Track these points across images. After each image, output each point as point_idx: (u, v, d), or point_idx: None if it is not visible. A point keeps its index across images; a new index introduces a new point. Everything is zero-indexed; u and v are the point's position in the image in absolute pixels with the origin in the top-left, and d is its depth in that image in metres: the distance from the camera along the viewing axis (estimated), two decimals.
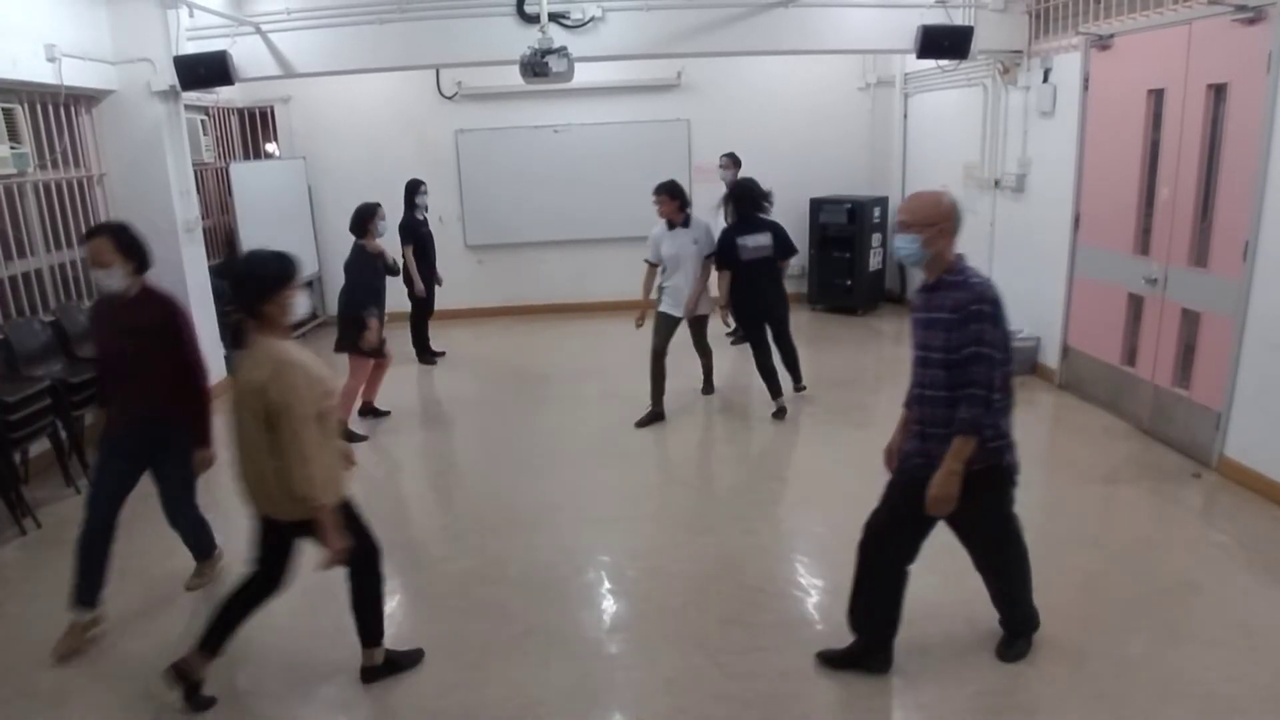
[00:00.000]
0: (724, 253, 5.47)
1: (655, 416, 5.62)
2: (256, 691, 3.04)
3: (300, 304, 2.70)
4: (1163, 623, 3.20)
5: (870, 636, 2.94)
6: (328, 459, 2.66)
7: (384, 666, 3.04)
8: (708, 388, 6.17)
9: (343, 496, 2.79)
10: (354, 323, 5.50)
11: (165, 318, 3.41)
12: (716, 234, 5.64)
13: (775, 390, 5.69)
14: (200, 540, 3.81)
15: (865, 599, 2.92)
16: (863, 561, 2.90)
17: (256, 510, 2.79)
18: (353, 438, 5.38)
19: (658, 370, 5.59)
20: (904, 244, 2.65)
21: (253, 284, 2.62)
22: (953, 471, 2.59)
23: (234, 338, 2.77)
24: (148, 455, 3.46)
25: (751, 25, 6.19)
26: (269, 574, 2.91)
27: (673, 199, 5.41)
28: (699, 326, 5.80)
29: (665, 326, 5.58)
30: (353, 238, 5.69)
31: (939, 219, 2.60)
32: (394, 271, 5.95)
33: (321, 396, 2.65)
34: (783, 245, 5.60)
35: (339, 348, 5.62)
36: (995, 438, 2.64)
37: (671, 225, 5.46)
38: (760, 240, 5.47)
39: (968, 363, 2.55)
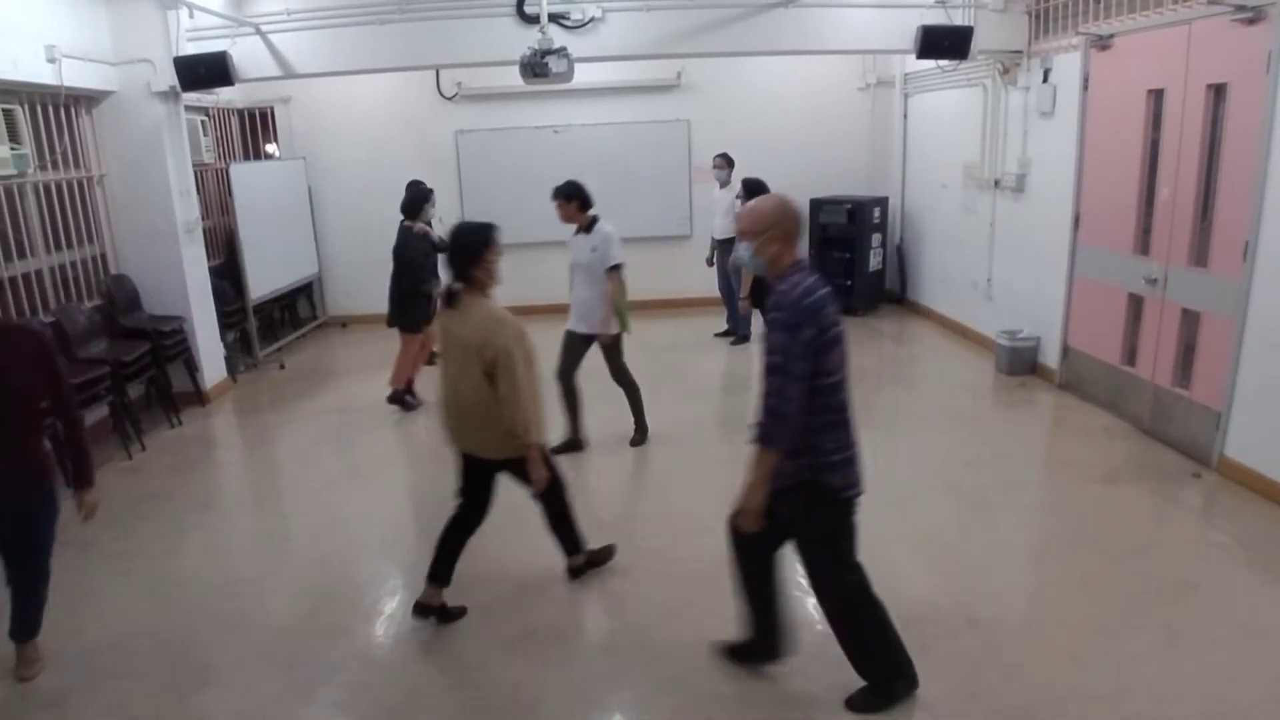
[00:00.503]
0: None
1: (571, 445, 5.10)
2: (257, 692, 3.04)
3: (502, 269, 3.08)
4: (1163, 623, 3.20)
5: (762, 630, 2.95)
6: (537, 403, 3.06)
7: (585, 564, 3.66)
8: (638, 436, 5.29)
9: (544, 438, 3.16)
10: (408, 300, 5.89)
11: (33, 351, 2.91)
12: (614, 246, 4.91)
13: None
14: (31, 616, 3.10)
15: (743, 594, 2.92)
16: (743, 558, 2.89)
17: (466, 450, 3.23)
18: (408, 405, 6.01)
19: (566, 393, 5.06)
20: (742, 250, 2.68)
21: (462, 251, 3.03)
22: (750, 484, 2.55)
23: (446, 299, 3.05)
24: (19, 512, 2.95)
25: (751, 25, 6.19)
26: (476, 505, 3.34)
27: (569, 201, 4.87)
28: (611, 352, 5.09)
29: (567, 345, 5.04)
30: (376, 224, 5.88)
31: (768, 225, 2.56)
32: (443, 249, 5.93)
33: (530, 349, 3.03)
34: None
35: (391, 323, 6.03)
36: (807, 453, 2.52)
37: (578, 230, 4.98)
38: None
39: (766, 371, 2.48)
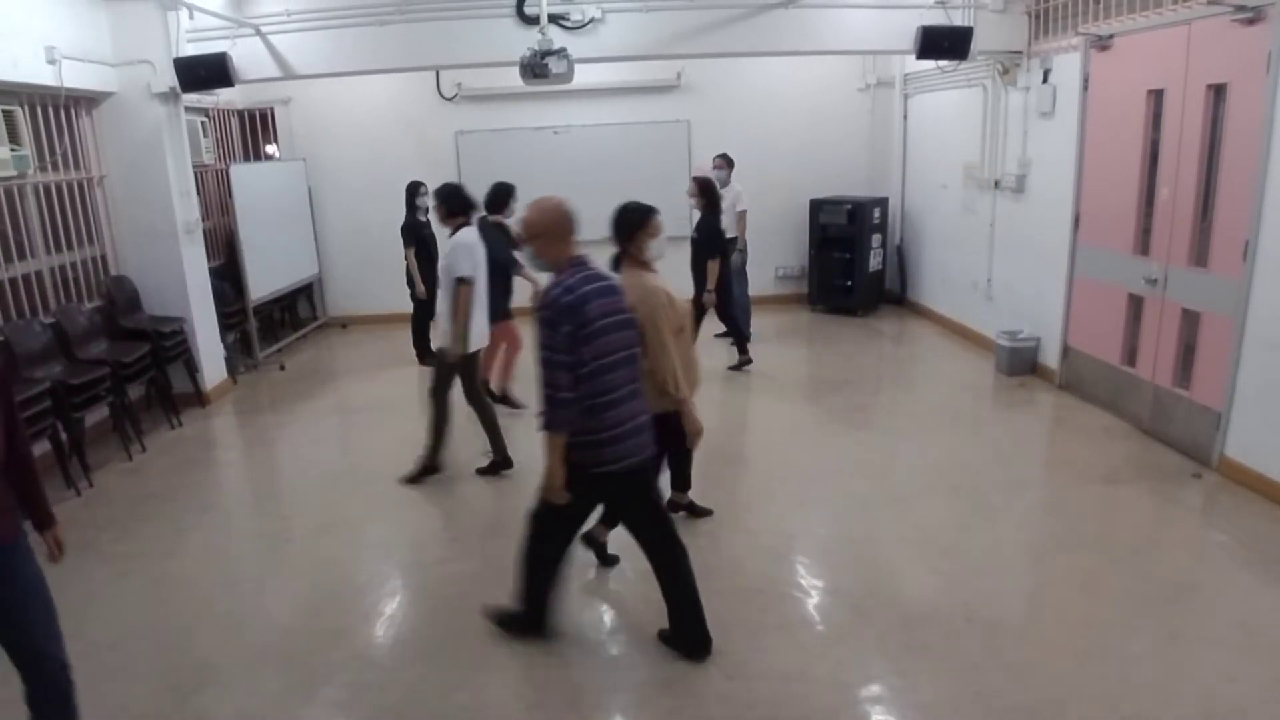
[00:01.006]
0: (716, 243, 6.16)
1: (428, 470, 4.83)
2: (257, 692, 3.04)
3: (656, 247, 3.37)
4: (1163, 623, 3.20)
5: (530, 606, 3.20)
6: (686, 364, 3.43)
7: (687, 507, 4.11)
8: (489, 467, 4.92)
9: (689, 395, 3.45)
10: (505, 292, 5.51)
11: None
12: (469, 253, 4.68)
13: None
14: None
15: (526, 568, 3.18)
16: (534, 537, 3.15)
17: None
18: (513, 403, 5.85)
19: (435, 412, 4.78)
20: (526, 255, 2.96)
21: (622, 227, 3.37)
22: (547, 467, 2.83)
23: (613, 265, 3.41)
24: None
25: (751, 26, 6.19)
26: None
27: (439, 205, 4.81)
28: (465, 370, 4.79)
29: (439, 362, 4.79)
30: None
31: (544, 230, 2.88)
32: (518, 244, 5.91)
33: (677, 316, 3.35)
34: None
35: (497, 318, 5.34)
36: (583, 433, 2.80)
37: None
38: None
39: (538, 363, 2.77)
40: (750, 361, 6.77)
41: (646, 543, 3.12)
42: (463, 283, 4.56)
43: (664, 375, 3.30)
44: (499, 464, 4.92)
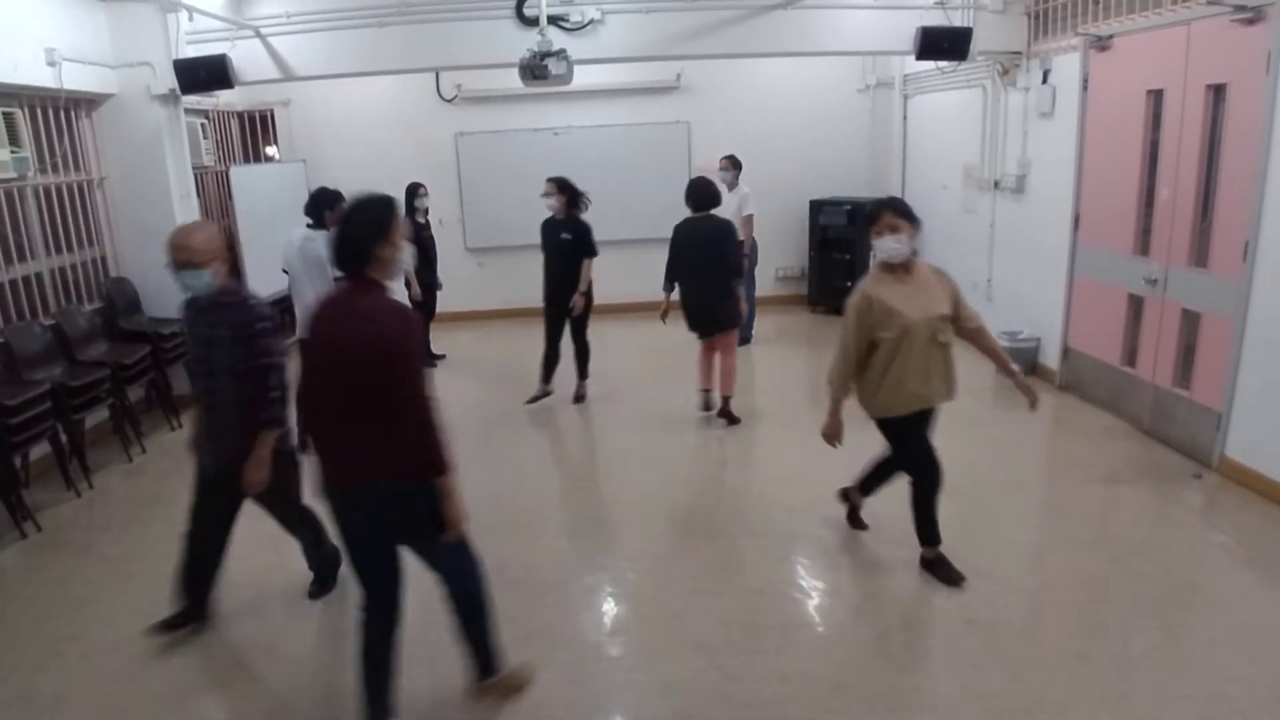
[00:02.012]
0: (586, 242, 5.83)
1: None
2: (256, 692, 3.03)
3: (889, 248, 3.28)
4: (1164, 623, 3.20)
5: (195, 600, 3.35)
6: (841, 362, 3.50)
7: (935, 561, 3.64)
8: None
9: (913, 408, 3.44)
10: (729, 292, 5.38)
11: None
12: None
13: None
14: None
15: (194, 569, 3.33)
16: (196, 539, 3.30)
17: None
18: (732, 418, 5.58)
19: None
20: (196, 278, 2.99)
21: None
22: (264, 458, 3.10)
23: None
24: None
25: (751, 27, 6.19)
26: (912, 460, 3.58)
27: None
28: None
29: None
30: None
31: (219, 251, 3.04)
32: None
33: (852, 316, 3.35)
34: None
35: (721, 326, 5.43)
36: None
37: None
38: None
39: (264, 371, 3.04)
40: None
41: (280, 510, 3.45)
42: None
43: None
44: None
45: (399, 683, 2.73)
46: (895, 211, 3.26)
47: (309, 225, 5.35)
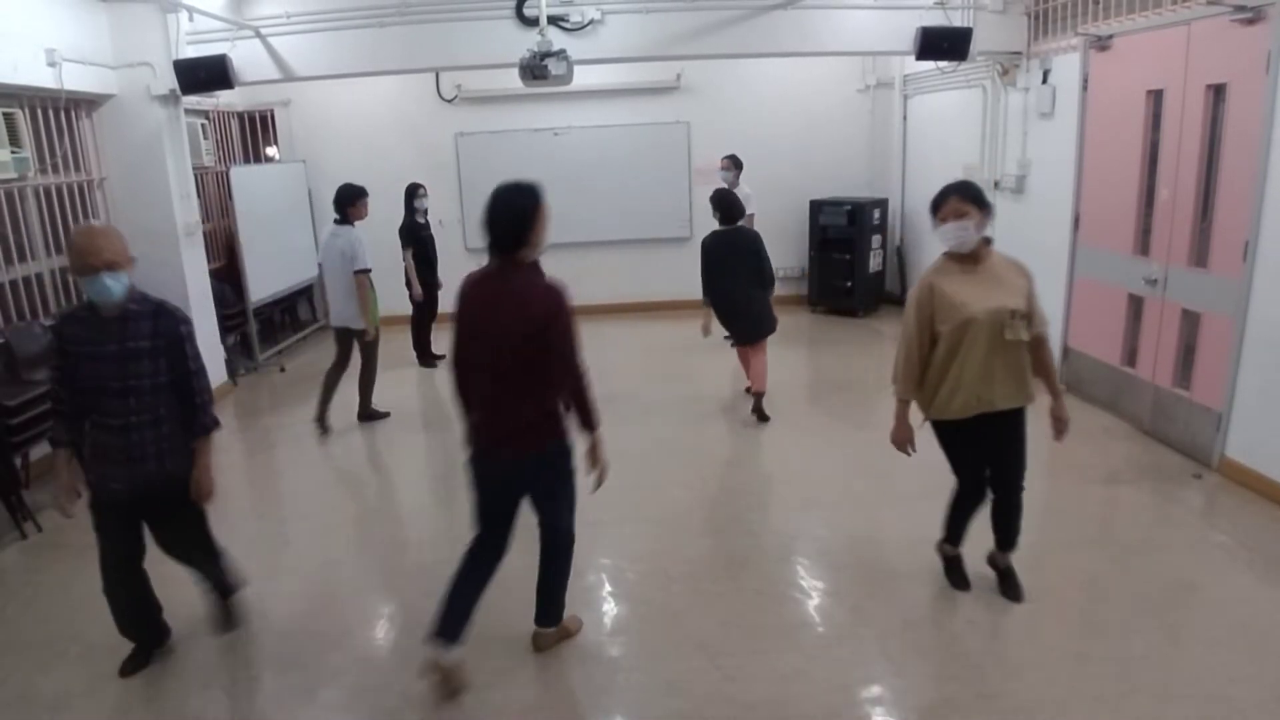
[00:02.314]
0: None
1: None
2: (256, 694, 3.03)
3: (952, 234, 3.03)
4: (1164, 624, 3.20)
5: (147, 635, 3.21)
6: (902, 359, 3.24)
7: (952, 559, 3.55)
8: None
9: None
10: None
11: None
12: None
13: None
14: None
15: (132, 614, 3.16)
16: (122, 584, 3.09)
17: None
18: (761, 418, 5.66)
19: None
20: (115, 283, 2.69)
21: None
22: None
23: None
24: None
25: (751, 27, 6.19)
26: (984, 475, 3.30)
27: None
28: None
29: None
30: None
31: (126, 252, 2.75)
32: None
33: (910, 307, 3.14)
34: None
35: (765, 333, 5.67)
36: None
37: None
38: None
39: (195, 377, 2.96)
40: None
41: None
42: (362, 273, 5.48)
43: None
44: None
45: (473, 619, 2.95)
46: (962, 196, 3.00)
47: (336, 221, 5.57)
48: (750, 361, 5.79)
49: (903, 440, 3.29)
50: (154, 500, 2.93)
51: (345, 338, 5.73)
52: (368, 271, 5.48)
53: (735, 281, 5.48)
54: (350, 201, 5.51)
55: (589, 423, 2.93)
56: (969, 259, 3.07)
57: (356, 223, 5.56)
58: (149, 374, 2.78)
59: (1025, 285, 3.07)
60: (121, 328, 2.74)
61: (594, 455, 2.97)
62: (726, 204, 5.58)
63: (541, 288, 2.73)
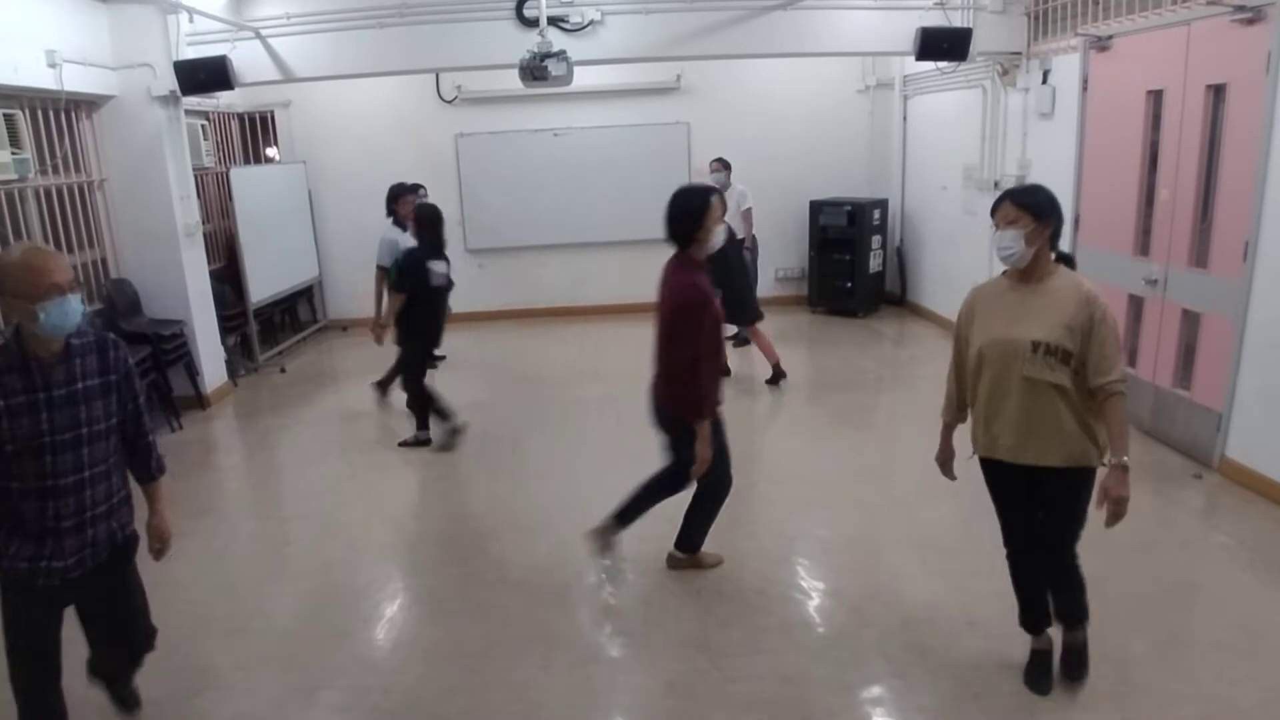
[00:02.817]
0: (411, 275, 5.16)
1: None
2: (256, 695, 3.03)
3: (998, 244, 2.58)
4: (1165, 624, 3.20)
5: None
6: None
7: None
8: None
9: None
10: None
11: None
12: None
13: (431, 419, 5.45)
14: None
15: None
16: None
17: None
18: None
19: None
20: (75, 309, 2.21)
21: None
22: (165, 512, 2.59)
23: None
24: None
25: (750, 28, 6.19)
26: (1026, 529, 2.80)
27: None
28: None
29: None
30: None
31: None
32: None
33: (967, 334, 2.75)
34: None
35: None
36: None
37: (404, 227, 5.71)
38: (443, 268, 5.29)
39: (143, 412, 2.48)
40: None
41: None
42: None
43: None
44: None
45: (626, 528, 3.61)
46: (1015, 201, 2.55)
47: (389, 219, 5.78)
48: (758, 339, 6.45)
49: (939, 461, 2.95)
50: (98, 572, 2.42)
51: None
52: (384, 269, 5.67)
53: (735, 271, 6.11)
54: (393, 199, 5.68)
55: (686, 416, 3.31)
56: (1025, 276, 2.59)
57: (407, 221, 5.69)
58: (102, 417, 2.33)
59: (1076, 318, 2.49)
60: (67, 366, 2.26)
61: (695, 446, 3.31)
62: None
63: (682, 284, 3.21)
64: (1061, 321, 2.50)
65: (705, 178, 7.45)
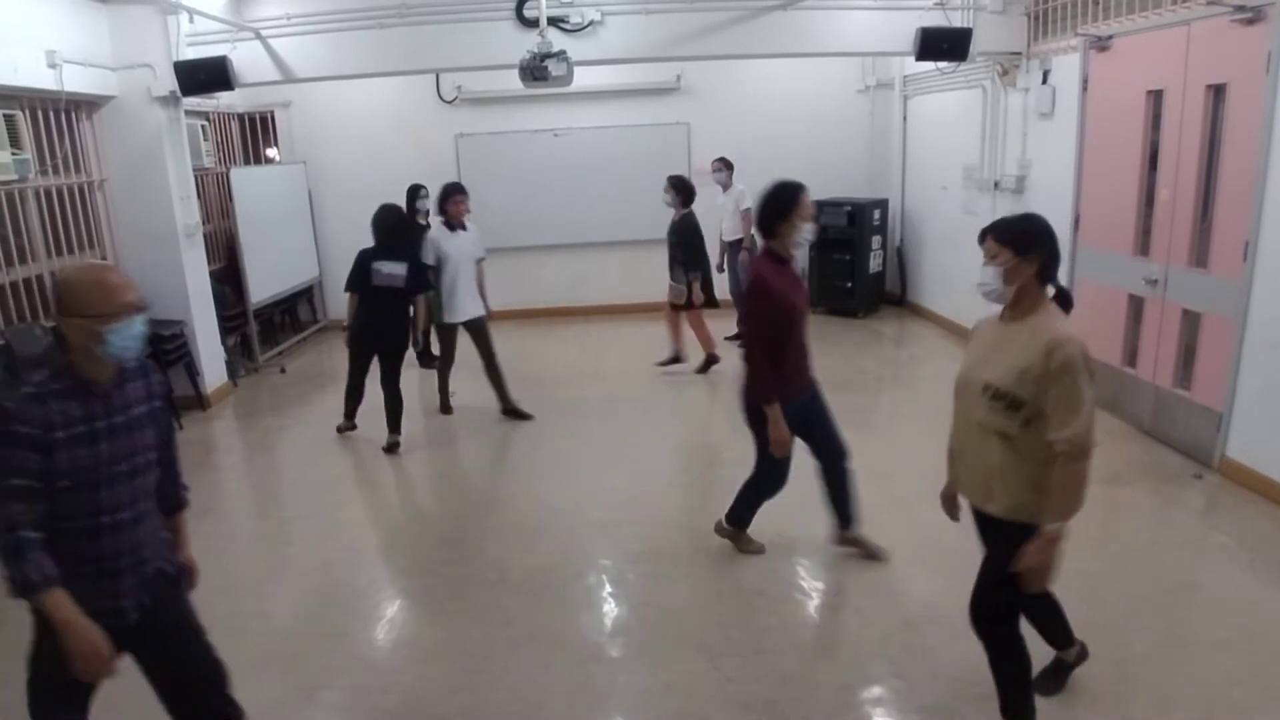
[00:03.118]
0: (352, 273, 5.27)
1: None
2: (256, 695, 3.03)
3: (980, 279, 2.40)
4: (1164, 624, 3.20)
5: None
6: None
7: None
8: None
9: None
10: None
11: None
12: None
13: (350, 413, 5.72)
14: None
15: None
16: None
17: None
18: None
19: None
20: (140, 331, 2.06)
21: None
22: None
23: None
24: None
25: (751, 28, 6.19)
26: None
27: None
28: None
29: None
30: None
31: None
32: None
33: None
34: (415, 279, 5.33)
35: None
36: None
37: (452, 227, 5.71)
38: (391, 269, 5.23)
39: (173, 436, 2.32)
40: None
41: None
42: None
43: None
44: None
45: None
46: (997, 236, 2.36)
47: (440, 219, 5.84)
48: (695, 323, 6.64)
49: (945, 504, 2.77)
50: (156, 613, 2.23)
51: (473, 327, 5.81)
52: (429, 268, 5.64)
53: (706, 256, 6.60)
54: (444, 199, 5.70)
55: (756, 400, 3.49)
56: (1011, 312, 2.40)
57: (465, 219, 5.78)
58: (152, 445, 2.18)
59: (1033, 365, 2.24)
60: (122, 391, 2.10)
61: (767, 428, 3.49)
62: (687, 187, 6.52)
63: (752, 274, 3.48)
64: (1016, 366, 2.28)
65: (707, 176, 7.46)
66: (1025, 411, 2.27)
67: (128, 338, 2.03)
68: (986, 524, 2.51)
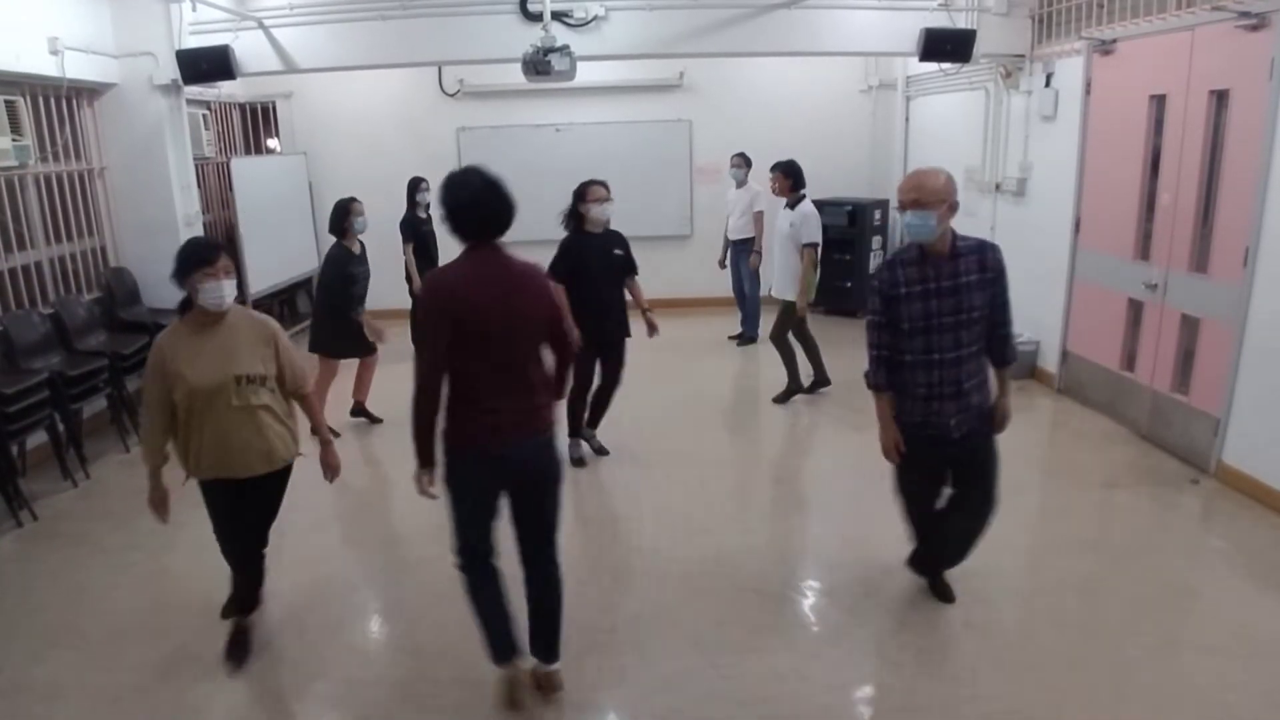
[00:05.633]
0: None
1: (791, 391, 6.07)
2: (251, 686, 3.03)
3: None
4: (1160, 629, 3.20)
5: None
6: None
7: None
8: (783, 394, 6.07)
9: None
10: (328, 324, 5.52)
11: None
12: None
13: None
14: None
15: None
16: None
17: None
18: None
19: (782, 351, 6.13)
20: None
21: None
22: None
23: None
24: None
25: (754, 26, 6.19)
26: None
27: (785, 177, 6.20)
28: (784, 315, 6.15)
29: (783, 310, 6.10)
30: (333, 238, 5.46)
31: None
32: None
33: None
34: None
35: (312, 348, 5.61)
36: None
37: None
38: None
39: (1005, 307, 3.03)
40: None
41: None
42: (809, 247, 5.88)
43: None
44: (800, 387, 6.10)
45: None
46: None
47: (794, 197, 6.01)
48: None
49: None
50: (971, 435, 3.14)
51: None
52: (814, 246, 5.86)
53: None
54: (786, 174, 6.05)
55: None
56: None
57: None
58: (977, 306, 2.91)
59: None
60: (954, 264, 2.90)
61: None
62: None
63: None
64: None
65: (714, 173, 7.47)
66: None
67: (919, 227, 2.89)
68: None
